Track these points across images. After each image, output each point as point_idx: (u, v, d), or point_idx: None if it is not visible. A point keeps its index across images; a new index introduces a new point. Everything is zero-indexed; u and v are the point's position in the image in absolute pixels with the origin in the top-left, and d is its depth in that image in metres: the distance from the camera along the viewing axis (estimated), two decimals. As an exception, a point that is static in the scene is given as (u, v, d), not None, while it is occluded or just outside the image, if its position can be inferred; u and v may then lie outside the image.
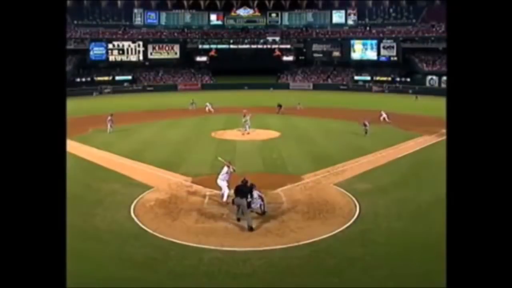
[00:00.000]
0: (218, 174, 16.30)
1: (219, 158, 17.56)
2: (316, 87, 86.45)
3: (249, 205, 13.95)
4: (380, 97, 69.89)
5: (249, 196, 14.01)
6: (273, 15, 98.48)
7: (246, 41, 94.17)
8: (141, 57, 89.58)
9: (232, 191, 14.72)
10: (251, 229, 13.38)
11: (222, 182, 15.96)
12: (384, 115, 38.51)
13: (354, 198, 16.47)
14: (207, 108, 46.29)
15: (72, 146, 28.47)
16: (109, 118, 33.88)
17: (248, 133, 32.49)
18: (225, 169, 16.20)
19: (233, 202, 14.34)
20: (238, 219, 14.11)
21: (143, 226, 13.84)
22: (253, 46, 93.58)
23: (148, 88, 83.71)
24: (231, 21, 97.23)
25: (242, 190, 14.01)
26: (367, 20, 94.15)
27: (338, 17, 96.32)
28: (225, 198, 15.52)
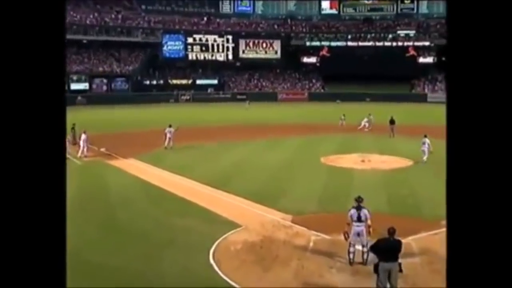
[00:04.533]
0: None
1: None
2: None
3: (401, 268, 12.49)
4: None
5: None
6: (406, 1, 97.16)
7: (369, 36, 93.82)
8: (230, 56, 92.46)
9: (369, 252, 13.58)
10: None
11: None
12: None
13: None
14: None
15: (139, 168, 29.99)
16: (169, 130, 36.91)
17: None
18: None
19: (375, 269, 12.45)
20: None
21: (224, 277, 14.03)
22: (378, 44, 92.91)
23: (239, 97, 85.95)
24: (349, 10, 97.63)
25: (392, 247, 12.44)
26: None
27: None
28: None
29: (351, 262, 14.76)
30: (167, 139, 36.87)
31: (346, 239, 15.01)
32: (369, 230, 14.82)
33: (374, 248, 12.65)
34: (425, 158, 31.60)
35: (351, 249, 14.81)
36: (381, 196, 23.10)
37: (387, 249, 12.34)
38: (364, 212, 14.81)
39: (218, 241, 16.86)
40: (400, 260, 12.38)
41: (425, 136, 32.28)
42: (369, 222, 14.83)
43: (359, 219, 14.74)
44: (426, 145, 31.73)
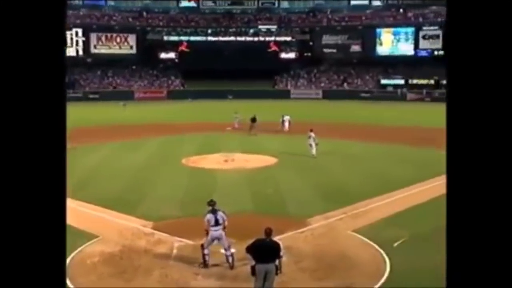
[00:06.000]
0: None
1: None
2: (328, 95, 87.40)
3: (277, 271, 12.67)
4: (418, 109, 70.44)
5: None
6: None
7: (230, 31, 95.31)
8: (80, 51, 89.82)
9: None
10: None
11: None
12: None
13: (382, 251, 16.45)
14: None
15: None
16: None
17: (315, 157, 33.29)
18: None
19: (253, 271, 12.58)
20: None
21: (81, 292, 13.70)
22: (240, 38, 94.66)
23: (91, 96, 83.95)
24: (209, 3, 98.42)
25: (268, 248, 12.67)
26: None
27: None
28: None
29: (206, 264, 14.97)
30: None
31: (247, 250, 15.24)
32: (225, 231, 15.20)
33: (249, 249, 12.76)
34: (313, 152, 33.50)
35: (206, 251, 15.05)
36: (246, 196, 23.60)
37: (263, 250, 12.55)
38: (221, 214, 15.17)
39: (72, 255, 16.32)
40: (277, 262, 12.66)
41: (311, 131, 34.34)
42: (226, 223, 15.18)
43: (217, 223, 15.04)
44: (312, 140, 33.66)
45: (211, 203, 15.35)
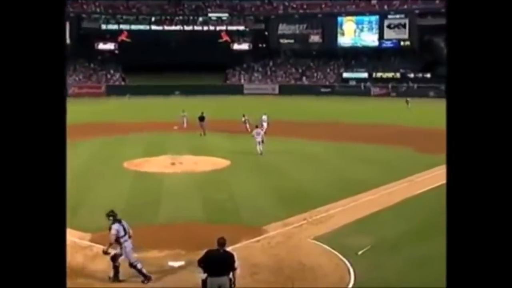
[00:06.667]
0: None
1: None
2: (285, 90, 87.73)
3: (231, 284, 12.65)
4: (383, 104, 71.19)
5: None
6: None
7: (176, 19, 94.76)
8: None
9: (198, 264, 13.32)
10: None
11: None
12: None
13: (346, 260, 16.61)
14: None
15: None
16: None
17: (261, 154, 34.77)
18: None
19: (204, 285, 12.64)
20: None
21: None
22: (187, 28, 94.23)
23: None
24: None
25: (220, 261, 12.70)
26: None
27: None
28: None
29: (149, 277, 14.92)
30: None
31: (115, 260, 15.22)
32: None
33: (202, 262, 12.71)
34: (260, 149, 34.91)
35: (139, 266, 15.09)
36: (196, 203, 23.51)
37: (215, 262, 12.53)
38: (124, 223, 15.38)
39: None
40: (231, 275, 12.62)
41: (257, 127, 36.20)
42: (131, 232, 15.37)
43: (125, 232, 15.17)
44: (260, 137, 35.01)
45: (112, 213, 15.45)
